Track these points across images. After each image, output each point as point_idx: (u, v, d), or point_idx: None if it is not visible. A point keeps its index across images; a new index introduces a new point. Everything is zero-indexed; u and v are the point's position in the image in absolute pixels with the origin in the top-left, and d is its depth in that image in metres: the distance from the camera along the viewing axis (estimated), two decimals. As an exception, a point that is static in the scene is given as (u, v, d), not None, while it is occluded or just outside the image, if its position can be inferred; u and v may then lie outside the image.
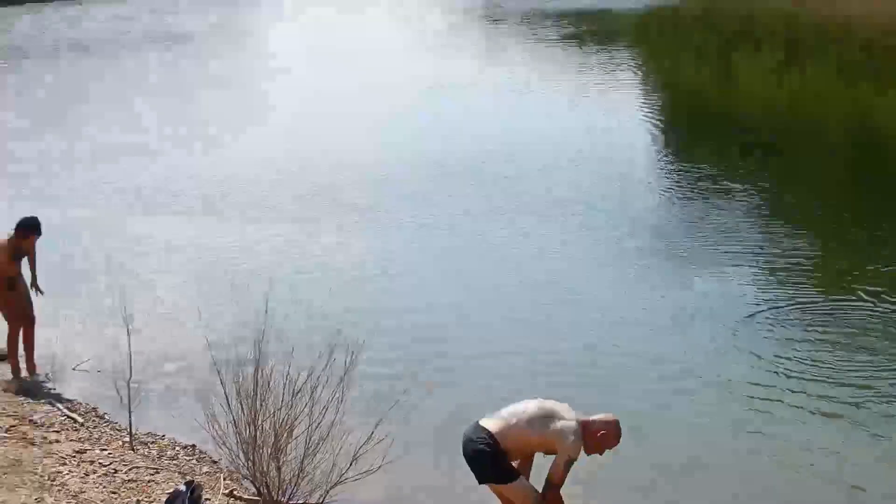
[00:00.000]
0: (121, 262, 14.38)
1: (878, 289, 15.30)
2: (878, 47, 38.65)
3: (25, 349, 13.42)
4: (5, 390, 12.82)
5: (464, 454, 9.07)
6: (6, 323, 13.43)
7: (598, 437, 8.85)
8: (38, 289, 13.48)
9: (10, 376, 13.34)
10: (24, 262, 13.44)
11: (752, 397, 12.27)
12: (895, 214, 19.40)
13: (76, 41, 44.37)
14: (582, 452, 8.86)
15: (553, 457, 8.82)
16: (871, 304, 14.79)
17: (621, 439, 8.90)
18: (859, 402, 12.15)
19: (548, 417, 8.90)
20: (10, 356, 13.44)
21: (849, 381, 12.61)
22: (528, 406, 9.01)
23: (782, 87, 33.27)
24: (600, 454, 8.97)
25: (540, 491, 8.98)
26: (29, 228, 13.34)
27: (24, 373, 13.36)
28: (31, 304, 13.42)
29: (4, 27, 49.22)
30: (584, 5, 49.01)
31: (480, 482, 9.17)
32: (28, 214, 13.55)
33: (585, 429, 8.84)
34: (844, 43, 40.86)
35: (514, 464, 9.08)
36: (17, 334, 13.39)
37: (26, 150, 25.73)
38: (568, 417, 8.89)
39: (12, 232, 13.26)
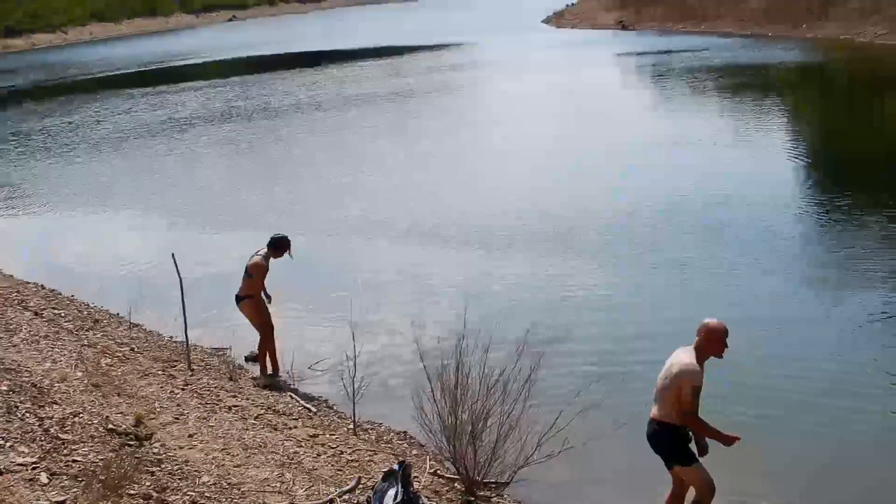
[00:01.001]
0: (349, 282, 14.57)
1: None
2: None
3: (269, 352, 13.72)
4: (255, 385, 13.16)
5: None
6: (257, 331, 13.75)
7: (711, 345, 8.83)
8: (269, 298, 13.71)
9: (257, 374, 13.66)
10: None
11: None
12: None
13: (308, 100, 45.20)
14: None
15: None
16: None
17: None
18: None
19: (669, 371, 8.87)
20: (260, 358, 13.76)
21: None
22: (660, 374, 9.00)
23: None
24: (720, 356, 8.89)
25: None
26: (285, 245, 13.61)
27: (269, 371, 13.65)
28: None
29: (272, 90, 50.46)
30: (739, 62, 48.01)
31: (668, 467, 9.18)
32: (277, 233, 13.76)
33: (699, 350, 8.82)
34: None
35: None
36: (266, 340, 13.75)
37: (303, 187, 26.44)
38: (680, 359, 8.85)
39: (265, 250, 13.50)
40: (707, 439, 9.03)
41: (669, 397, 8.83)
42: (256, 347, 13.85)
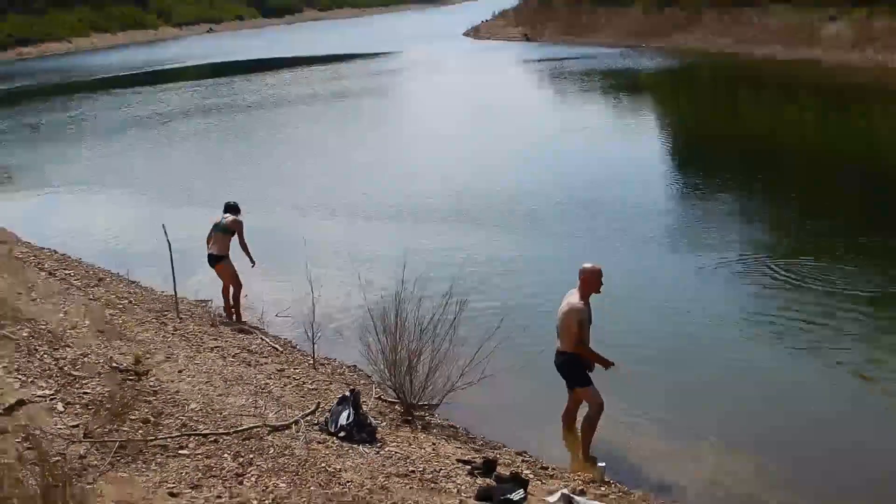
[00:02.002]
0: (307, 248, 14.48)
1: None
2: (831, 89, 37.65)
3: (238, 302, 13.77)
4: (233, 329, 13.06)
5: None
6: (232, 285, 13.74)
7: (590, 284, 9.15)
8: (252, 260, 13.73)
9: (229, 320, 13.63)
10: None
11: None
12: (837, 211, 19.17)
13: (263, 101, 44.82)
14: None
15: None
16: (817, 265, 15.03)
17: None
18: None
19: (561, 311, 9.20)
20: (236, 307, 13.71)
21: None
22: (557, 314, 9.29)
23: (759, 122, 32.53)
24: (598, 291, 9.23)
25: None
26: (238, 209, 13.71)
27: (243, 318, 13.66)
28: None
29: (240, 90, 49.83)
30: (619, 66, 48.62)
31: (569, 388, 9.56)
32: (229, 200, 13.84)
33: (582, 290, 9.14)
34: (802, 85, 39.98)
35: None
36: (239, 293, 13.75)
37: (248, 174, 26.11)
38: (568, 300, 9.17)
39: (229, 215, 13.54)
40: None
41: (565, 331, 9.14)
42: (231, 299, 13.81)
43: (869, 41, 43.49)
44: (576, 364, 9.26)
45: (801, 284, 14.14)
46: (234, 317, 13.68)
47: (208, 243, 13.64)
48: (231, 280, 13.67)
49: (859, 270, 14.62)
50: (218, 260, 13.55)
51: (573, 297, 9.15)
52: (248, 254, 13.55)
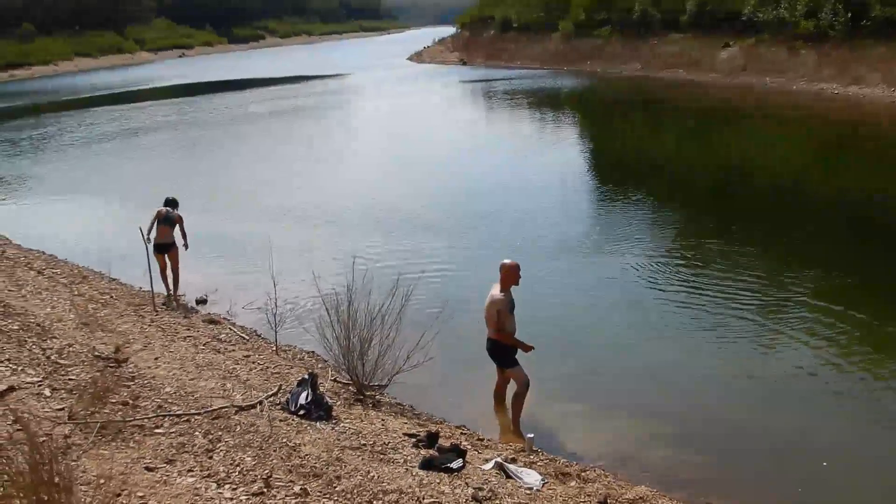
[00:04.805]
0: (269, 247, 14.30)
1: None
2: (720, 113, 38.21)
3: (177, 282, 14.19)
4: (203, 321, 12.82)
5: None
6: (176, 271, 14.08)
7: (509, 278, 9.16)
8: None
9: (206, 311, 13.45)
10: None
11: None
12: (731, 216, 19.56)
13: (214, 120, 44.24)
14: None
15: None
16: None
17: None
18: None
19: (486, 303, 9.23)
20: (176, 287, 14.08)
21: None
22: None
23: (663, 137, 33.02)
24: (517, 284, 9.25)
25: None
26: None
27: (211, 311, 13.49)
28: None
29: (203, 108, 48.98)
30: (540, 86, 49.17)
31: (500, 369, 9.59)
32: (169, 196, 14.25)
33: (503, 283, 9.15)
34: (702, 105, 40.64)
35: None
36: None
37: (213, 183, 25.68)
38: (491, 293, 9.20)
39: (168, 209, 13.87)
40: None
41: (490, 320, 9.20)
42: (174, 285, 13.93)
43: (756, 65, 44.80)
44: (503, 348, 9.28)
45: (690, 280, 14.30)
46: (174, 294, 13.92)
47: (149, 233, 13.57)
48: (177, 263, 13.94)
49: (744, 268, 14.78)
50: (170, 247, 13.84)
51: (495, 290, 9.19)
52: (186, 239, 13.98)
